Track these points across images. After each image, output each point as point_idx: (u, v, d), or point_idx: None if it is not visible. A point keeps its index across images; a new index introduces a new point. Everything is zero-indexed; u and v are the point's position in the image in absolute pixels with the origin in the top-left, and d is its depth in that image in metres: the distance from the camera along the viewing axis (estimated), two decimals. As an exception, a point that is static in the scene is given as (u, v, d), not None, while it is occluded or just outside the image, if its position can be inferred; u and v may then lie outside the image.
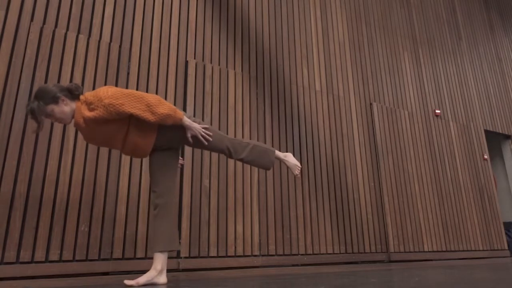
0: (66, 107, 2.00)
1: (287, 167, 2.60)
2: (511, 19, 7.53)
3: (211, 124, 3.43)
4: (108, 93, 1.95)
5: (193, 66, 3.49)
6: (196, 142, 2.21)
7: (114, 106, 1.91)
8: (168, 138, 2.15)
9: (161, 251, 2.04)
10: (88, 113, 1.96)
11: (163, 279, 2.04)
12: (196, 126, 2.10)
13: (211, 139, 2.15)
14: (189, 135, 2.11)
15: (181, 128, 2.13)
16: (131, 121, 2.03)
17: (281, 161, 2.46)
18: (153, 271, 2.02)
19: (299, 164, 2.45)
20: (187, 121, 2.08)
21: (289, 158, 2.46)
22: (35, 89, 2.69)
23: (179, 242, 2.15)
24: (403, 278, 2.14)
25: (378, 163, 4.46)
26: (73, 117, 2.03)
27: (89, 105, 1.96)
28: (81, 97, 2.03)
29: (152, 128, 2.07)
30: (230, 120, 3.56)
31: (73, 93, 2.03)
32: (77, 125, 2.04)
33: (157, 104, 1.96)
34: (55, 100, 1.97)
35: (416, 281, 1.88)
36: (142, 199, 2.94)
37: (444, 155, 5.16)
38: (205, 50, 3.63)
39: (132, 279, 1.99)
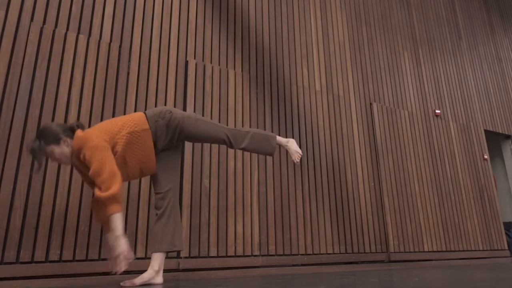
0: (66, 148, 1.98)
1: (287, 153, 2.54)
2: (511, 19, 7.53)
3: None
4: (91, 143, 1.89)
5: (193, 66, 3.49)
6: (192, 136, 2.18)
7: (86, 158, 1.88)
8: (165, 140, 2.15)
9: (160, 252, 2.05)
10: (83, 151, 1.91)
11: (159, 279, 2.05)
12: (122, 247, 1.78)
13: (122, 270, 1.79)
14: (116, 251, 1.79)
15: (175, 127, 2.11)
16: (126, 148, 2.00)
17: (283, 146, 2.39)
18: (151, 271, 2.02)
19: (300, 151, 2.37)
20: (117, 228, 1.80)
21: (291, 143, 2.38)
22: (35, 89, 2.70)
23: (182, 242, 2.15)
24: (403, 278, 2.14)
25: (378, 163, 4.46)
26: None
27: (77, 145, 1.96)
28: (77, 132, 2.00)
29: (149, 144, 2.06)
30: (230, 120, 3.56)
31: (73, 130, 2.02)
32: (74, 165, 2.07)
33: (108, 186, 1.81)
34: (56, 140, 1.95)
35: (416, 281, 1.88)
36: (142, 199, 2.94)
37: (444, 155, 5.16)
38: (205, 50, 3.63)
39: (131, 279, 1.99)
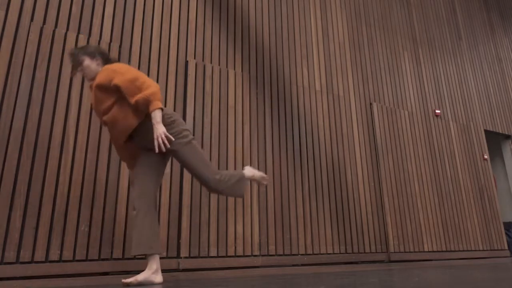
0: (96, 65, 2.27)
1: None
2: (511, 19, 7.53)
3: (211, 124, 3.43)
4: (124, 66, 2.17)
5: (193, 66, 3.49)
6: (180, 160, 2.19)
7: (115, 72, 2.12)
8: (144, 141, 2.19)
9: (136, 254, 2.05)
10: (98, 75, 2.20)
11: (159, 278, 2.07)
12: (160, 129, 2.05)
13: (163, 149, 2.04)
14: (154, 134, 2.06)
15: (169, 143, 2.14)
16: (119, 98, 2.17)
17: (252, 180, 2.43)
18: (148, 271, 2.04)
19: (263, 174, 2.45)
20: (157, 117, 2.07)
21: (248, 171, 2.39)
22: (35, 89, 2.71)
23: (160, 245, 2.13)
24: (403, 278, 2.14)
25: (378, 163, 4.46)
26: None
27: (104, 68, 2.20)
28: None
29: (136, 112, 2.15)
30: (230, 120, 3.56)
31: (108, 60, 2.33)
32: (91, 86, 2.26)
33: (147, 87, 2.09)
34: (91, 55, 2.27)
35: (416, 281, 1.88)
36: (142, 199, 2.94)
37: (444, 155, 5.16)
38: (205, 50, 3.63)
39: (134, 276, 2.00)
